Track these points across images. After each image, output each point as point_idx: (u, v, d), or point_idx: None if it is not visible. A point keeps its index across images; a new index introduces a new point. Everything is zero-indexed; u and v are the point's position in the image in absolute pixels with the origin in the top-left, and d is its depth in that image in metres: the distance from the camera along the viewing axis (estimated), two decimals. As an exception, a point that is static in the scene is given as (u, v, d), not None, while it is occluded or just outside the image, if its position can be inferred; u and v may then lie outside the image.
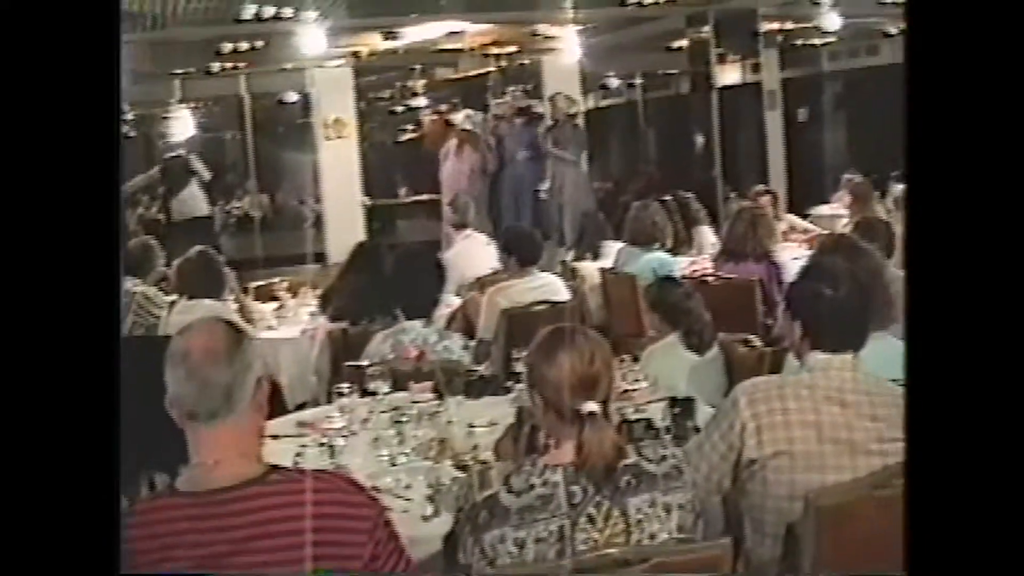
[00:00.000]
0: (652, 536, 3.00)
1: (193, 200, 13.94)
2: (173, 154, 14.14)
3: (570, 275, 8.68)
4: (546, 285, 7.40)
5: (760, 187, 10.67)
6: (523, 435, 3.24)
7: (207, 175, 14.11)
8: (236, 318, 6.51)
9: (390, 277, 6.01)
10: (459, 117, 14.14)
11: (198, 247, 7.50)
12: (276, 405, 3.89)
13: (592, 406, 3.01)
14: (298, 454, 4.22)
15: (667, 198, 9.42)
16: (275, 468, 2.86)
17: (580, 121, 13.75)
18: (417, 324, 5.57)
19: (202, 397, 2.79)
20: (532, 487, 2.98)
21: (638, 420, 4.19)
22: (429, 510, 3.65)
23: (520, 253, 7.43)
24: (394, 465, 4.14)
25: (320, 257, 14.13)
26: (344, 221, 14.05)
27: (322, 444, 4.29)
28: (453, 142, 13.53)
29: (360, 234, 13.53)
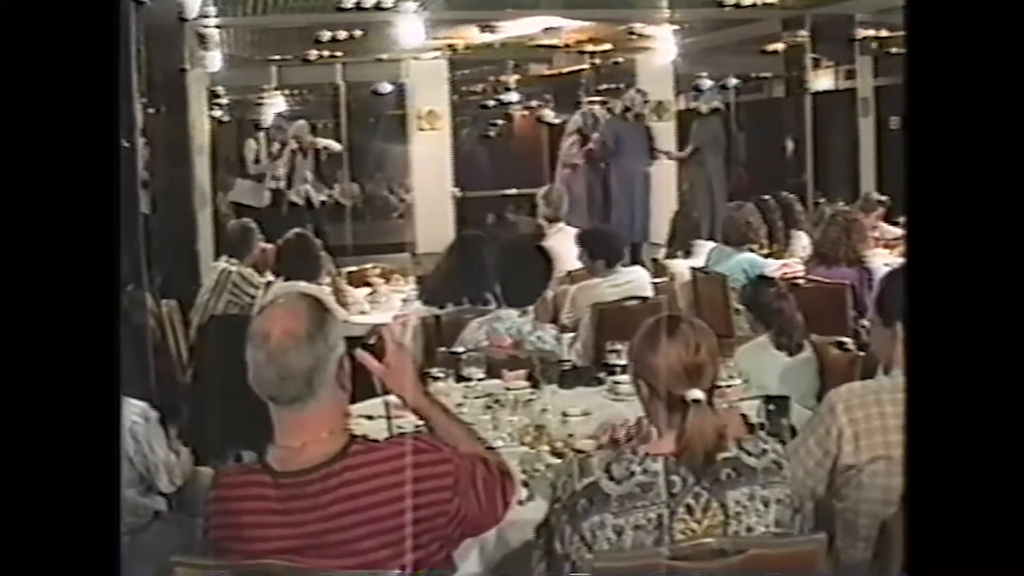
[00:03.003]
0: (749, 529, 3.00)
1: (242, 189, 14.18)
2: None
3: (660, 272, 8.68)
4: (632, 282, 7.41)
5: (874, 195, 10.42)
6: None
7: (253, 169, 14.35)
8: (326, 297, 6.57)
9: (496, 264, 6.08)
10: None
11: (296, 229, 7.60)
12: (366, 387, 3.92)
13: (697, 393, 3.02)
14: (393, 435, 4.26)
15: (766, 197, 9.37)
16: (353, 440, 2.89)
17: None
18: (513, 313, 5.63)
19: (282, 383, 2.79)
20: (632, 475, 2.99)
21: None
22: (524, 494, 3.65)
23: (603, 254, 7.47)
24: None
25: (408, 247, 14.22)
26: (434, 212, 14.14)
27: (418, 427, 4.33)
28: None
29: (450, 225, 13.64)
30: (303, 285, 6.84)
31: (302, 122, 14.17)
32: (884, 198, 10.11)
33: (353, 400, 3.05)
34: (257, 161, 14.11)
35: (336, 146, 14.45)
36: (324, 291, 7.22)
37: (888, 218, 9.83)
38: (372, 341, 3.24)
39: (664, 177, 13.85)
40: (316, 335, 2.80)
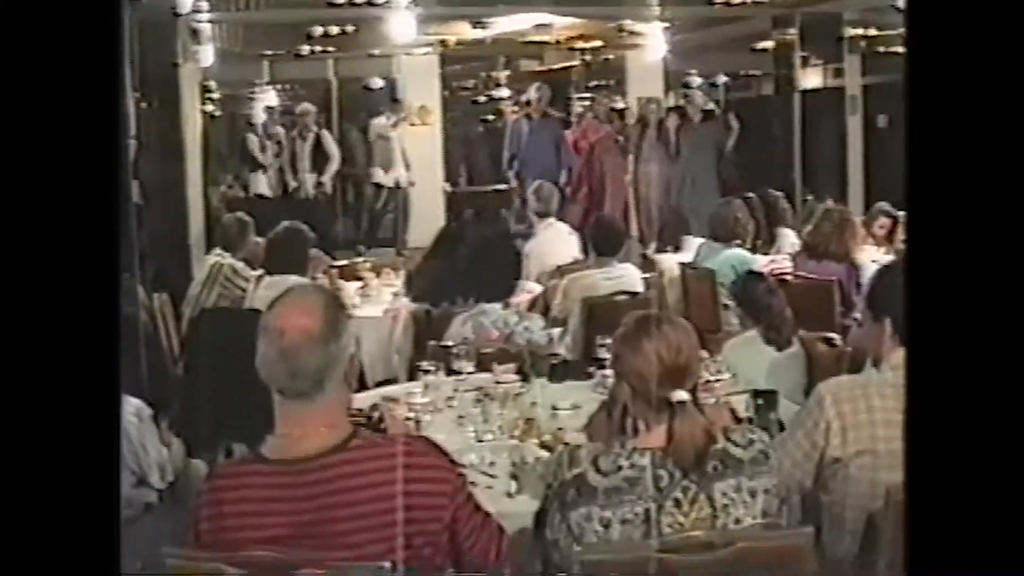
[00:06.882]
0: (737, 521, 3.00)
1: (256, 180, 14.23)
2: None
3: (649, 267, 8.71)
4: (623, 276, 7.45)
5: (883, 206, 10.36)
6: (616, 414, 3.23)
7: (262, 159, 14.35)
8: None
9: (470, 261, 6.09)
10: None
11: (286, 223, 7.58)
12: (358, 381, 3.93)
13: (681, 395, 3.01)
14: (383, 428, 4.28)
15: (751, 195, 9.37)
16: (356, 433, 2.87)
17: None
18: (496, 306, 5.66)
19: (292, 379, 2.76)
20: (620, 468, 2.99)
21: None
22: (513, 487, 3.68)
23: (604, 243, 7.52)
24: (480, 442, 4.19)
25: (400, 241, 14.24)
26: (426, 207, 14.17)
27: (408, 419, 4.35)
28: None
29: (441, 220, 13.64)
30: (293, 279, 6.83)
31: (307, 105, 14.25)
32: (896, 213, 10.09)
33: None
34: (264, 150, 14.14)
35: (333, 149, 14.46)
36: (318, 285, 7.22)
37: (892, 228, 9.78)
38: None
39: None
40: (330, 335, 2.77)
